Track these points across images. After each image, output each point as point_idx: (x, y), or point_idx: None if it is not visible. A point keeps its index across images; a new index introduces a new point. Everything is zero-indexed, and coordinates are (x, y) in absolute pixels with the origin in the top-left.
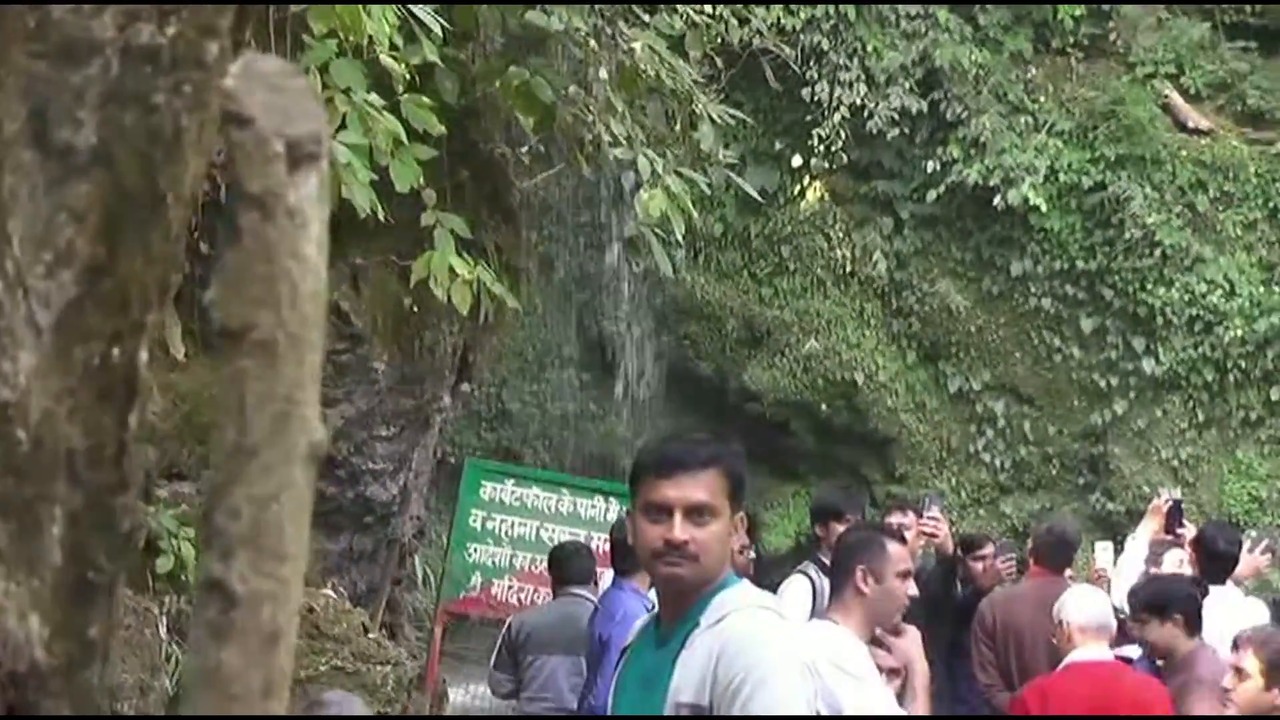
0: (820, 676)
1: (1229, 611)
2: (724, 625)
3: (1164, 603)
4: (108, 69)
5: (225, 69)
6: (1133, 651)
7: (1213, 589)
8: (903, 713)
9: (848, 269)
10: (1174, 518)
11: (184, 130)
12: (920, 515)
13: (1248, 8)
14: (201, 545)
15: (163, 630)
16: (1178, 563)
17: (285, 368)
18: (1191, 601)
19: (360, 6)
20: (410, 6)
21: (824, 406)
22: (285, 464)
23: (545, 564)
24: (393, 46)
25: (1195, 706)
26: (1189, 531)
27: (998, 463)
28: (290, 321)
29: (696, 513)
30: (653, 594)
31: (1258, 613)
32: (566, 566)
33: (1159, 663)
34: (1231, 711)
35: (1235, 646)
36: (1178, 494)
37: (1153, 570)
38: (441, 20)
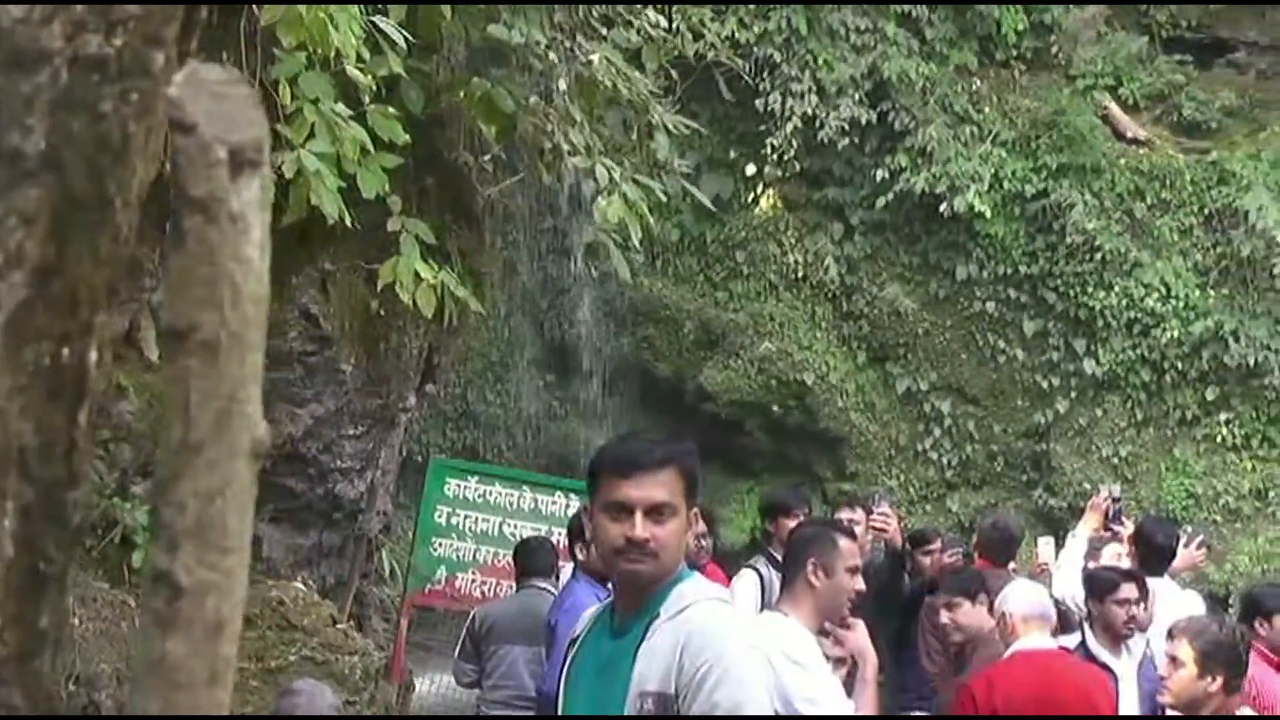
0: (771, 666)
1: (1166, 603)
2: (685, 616)
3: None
4: (57, 77)
5: (171, 78)
6: (1070, 641)
7: (1150, 581)
8: (850, 702)
9: (800, 273)
10: (1113, 515)
11: (131, 137)
12: (870, 511)
13: (1184, 21)
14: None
15: (138, 622)
16: (1116, 556)
17: (228, 367)
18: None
19: (327, 21)
20: (376, 20)
21: (777, 406)
22: (229, 459)
23: (507, 558)
24: (359, 59)
25: None
26: (1127, 528)
27: (944, 460)
28: (233, 322)
29: (656, 511)
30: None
31: (1193, 604)
32: (529, 560)
33: None
34: (1166, 699)
35: (1171, 636)
36: (1117, 491)
37: (1092, 564)
38: (406, 33)
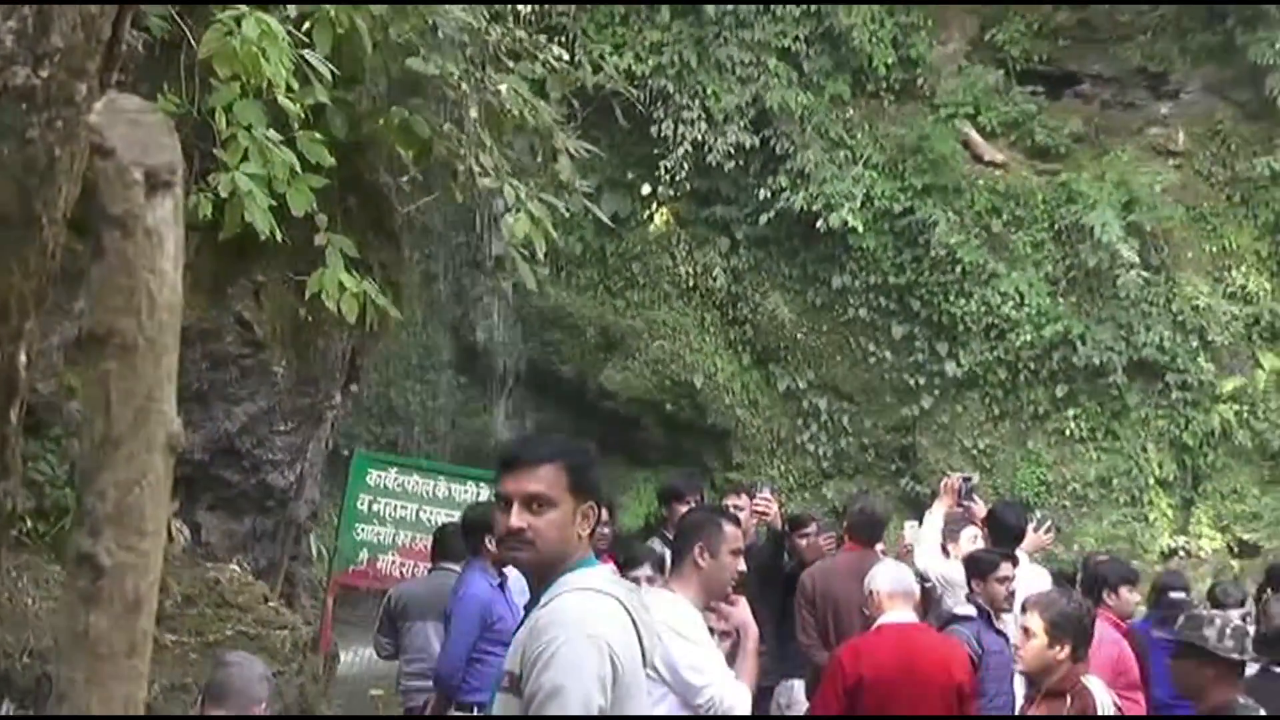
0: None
1: (1018, 579)
2: (549, 603)
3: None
4: None
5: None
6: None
7: None
8: (731, 671)
9: (690, 283)
10: (964, 493)
11: (57, 160)
12: (753, 498)
13: (1035, 56)
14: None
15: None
16: (972, 538)
17: (145, 368)
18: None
19: (259, 54)
20: (304, 54)
21: (670, 404)
22: (146, 452)
23: (424, 541)
24: (289, 89)
25: None
26: (978, 504)
27: (821, 452)
28: (149, 328)
29: (535, 502)
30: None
31: (1042, 580)
32: (443, 545)
33: None
34: (1020, 666)
35: (1023, 609)
36: (968, 473)
37: (950, 546)
38: (331, 66)
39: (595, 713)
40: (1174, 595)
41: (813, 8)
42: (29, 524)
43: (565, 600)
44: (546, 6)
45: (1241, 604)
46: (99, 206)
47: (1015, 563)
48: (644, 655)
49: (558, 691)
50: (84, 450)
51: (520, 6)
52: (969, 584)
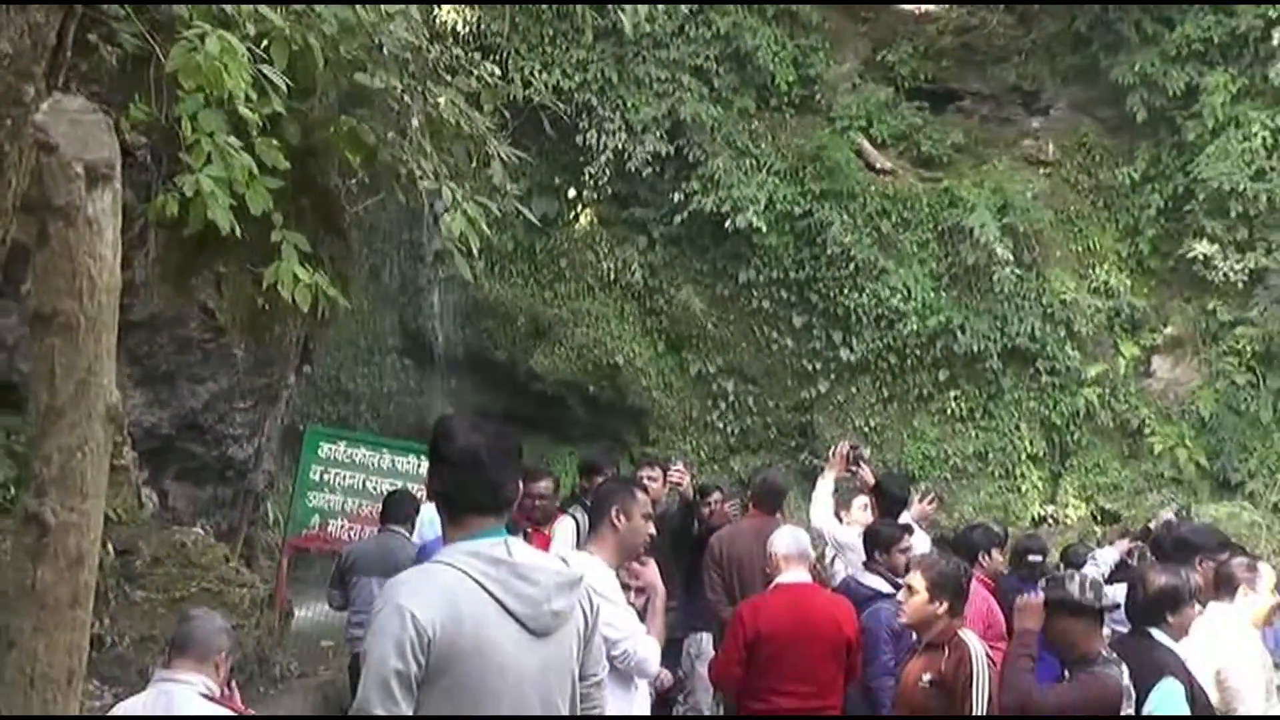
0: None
1: None
2: None
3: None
4: None
5: (39, 107)
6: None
7: None
8: (642, 626)
9: (611, 277)
10: (853, 460)
11: (5, 155)
12: (667, 470)
13: (921, 75)
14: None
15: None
16: (863, 506)
17: (86, 345)
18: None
19: (222, 69)
20: (262, 68)
21: (592, 385)
22: (87, 422)
23: (370, 508)
24: (248, 99)
25: None
26: (867, 473)
27: (728, 429)
28: (89, 308)
29: None
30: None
31: (924, 543)
32: (389, 509)
33: None
34: (903, 620)
35: (907, 569)
36: (855, 441)
37: (842, 512)
38: (286, 79)
39: (390, 673)
40: (1032, 559)
41: (721, 30)
42: (12, 491)
43: (400, 575)
44: (482, 28)
45: (1082, 565)
46: (43, 198)
47: (912, 533)
48: (510, 614)
49: (367, 654)
50: (31, 419)
51: (459, 27)
52: (871, 554)
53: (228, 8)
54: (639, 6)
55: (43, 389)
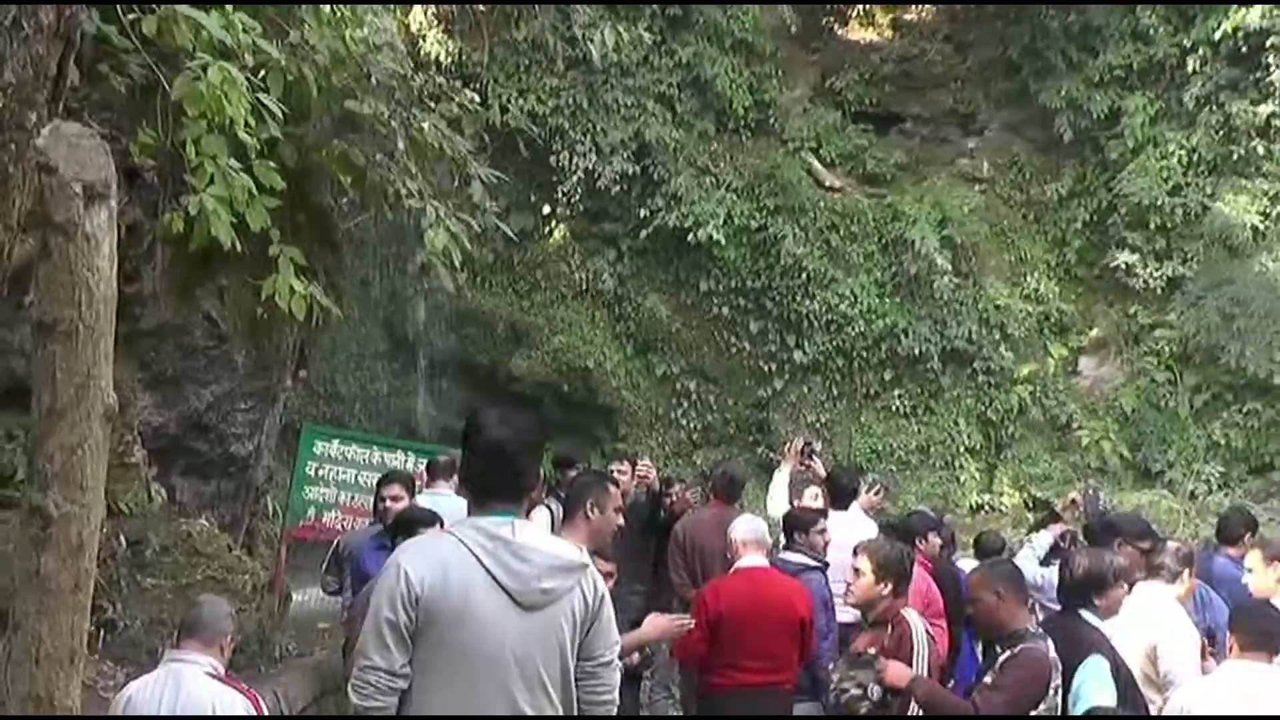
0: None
1: (851, 529)
2: None
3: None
4: None
5: (40, 131)
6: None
7: (839, 513)
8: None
9: (583, 287)
10: (806, 454)
11: (10, 176)
12: (635, 464)
13: (866, 100)
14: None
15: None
16: (814, 497)
17: (85, 351)
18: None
19: (223, 97)
20: (260, 96)
21: (566, 386)
22: (86, 421)
23: (363, 501)
24: (247, 125)
25: None
26: (819, 466)
27: (691, 425)
28: (88, 316)
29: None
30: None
31: (870, 529)
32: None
33: None
34: (851, 600)
35: (855, 553)
36: (808, 437)
37: (796, 501)
38: (283, 106)
39: (383, 622)
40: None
41: (684, 59)
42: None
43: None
44: (463, 58)
45: (1000, 551)
46: (44, 216)
47: (827, 516)
48: (499, 585)
49: (369, 602)
50: (34, 419)
51: (442, 59)
52: (792, 536)
53: (227, 40)
54: (606, 38)
55: (45, 391)
